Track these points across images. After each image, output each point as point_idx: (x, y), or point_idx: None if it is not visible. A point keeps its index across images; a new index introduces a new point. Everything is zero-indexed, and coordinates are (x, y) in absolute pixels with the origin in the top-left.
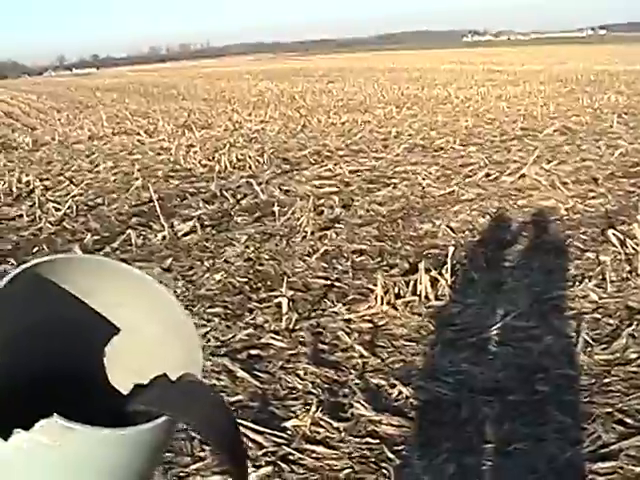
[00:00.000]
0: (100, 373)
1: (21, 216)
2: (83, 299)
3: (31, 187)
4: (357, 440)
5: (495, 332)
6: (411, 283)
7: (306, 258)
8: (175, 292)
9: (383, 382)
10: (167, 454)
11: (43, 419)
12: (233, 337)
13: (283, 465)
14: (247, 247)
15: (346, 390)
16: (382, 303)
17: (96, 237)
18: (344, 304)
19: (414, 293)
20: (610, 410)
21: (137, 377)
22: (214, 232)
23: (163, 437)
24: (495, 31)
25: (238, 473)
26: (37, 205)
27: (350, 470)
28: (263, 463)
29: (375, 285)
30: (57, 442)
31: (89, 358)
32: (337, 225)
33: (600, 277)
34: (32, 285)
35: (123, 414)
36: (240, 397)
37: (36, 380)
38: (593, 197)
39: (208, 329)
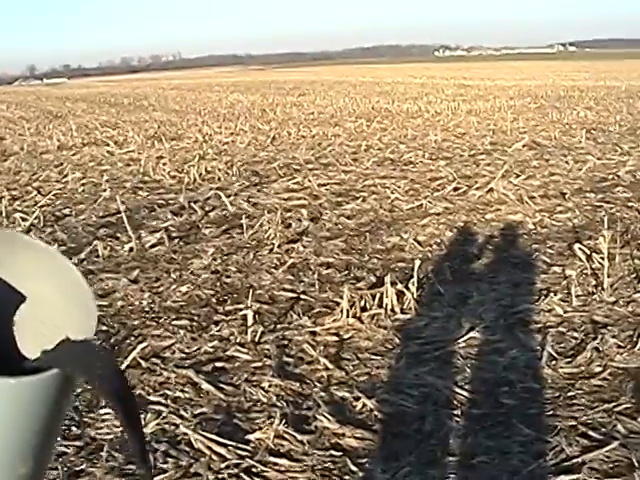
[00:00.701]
0: (10, 343)
1: None
2: None
3: None
4: (321, 453)
5: (460, 345)
6: (377, 296)
7: (273, 271)
8: (141, 304)
9: (348, 395)
10: (130, 466)
11: None
12: (198, 349)
13: (246, 478)
14: (214, 259)
15: (310, 403)
16: (348, 316)
17: (63, 248)
18: (310, 317)
19: (380, 306)
20: (574, 423)
21: (45, 344)
22: (182, 244)
23: (57, 390)
24: (467, 46)
25: (132, 427)
26: (4, 215)
27: None
28: (226, 476)
29: (341, 298)
30: None
31: None
32: (305, 238)
33: (566, 291)
34: None
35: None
36: (204, 409)
37: None
38: (560, 211)
39: (174, 341)
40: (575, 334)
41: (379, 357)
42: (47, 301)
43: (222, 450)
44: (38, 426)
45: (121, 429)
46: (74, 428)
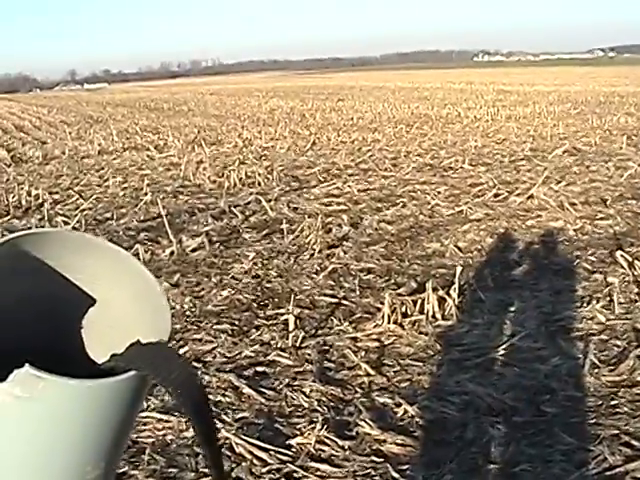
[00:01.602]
0: (78, 347)
1: (30, 229)
2: (60, 273)
3: (40, 200)
4: (362, 459)
5: (502, 353)
6: (418, 302)
7: (314, 276)
8: (182, 308)
9: (389, 401)
10: (171, 469)
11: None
12: (239, 354)
13: None
14: (255, 264)
15: (351, 408)
16: (389, 322)
17: None
18: (351, 322)
19: (421, 312)
20: (616, 432)
21: (115, 348)
22: (222, 248)
23: (132, 393)
24: (506, 51)
25: (206, 432)
26: (46, 219)
27: None
28: None
29: (382, 304)
30: (29, 393)
31: (67, 332)
32: (345, 243)
33: (608, 299)
34: (9, 260)
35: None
36: (245, 414)
37: (13, 355)
38: (602, 218)
39: (215, 345)
40: (618, 342)
41: (420, 363)
42: (118, 305)
43: (263, 455)
44: (111, 429)
45: (167, 433)
46: None
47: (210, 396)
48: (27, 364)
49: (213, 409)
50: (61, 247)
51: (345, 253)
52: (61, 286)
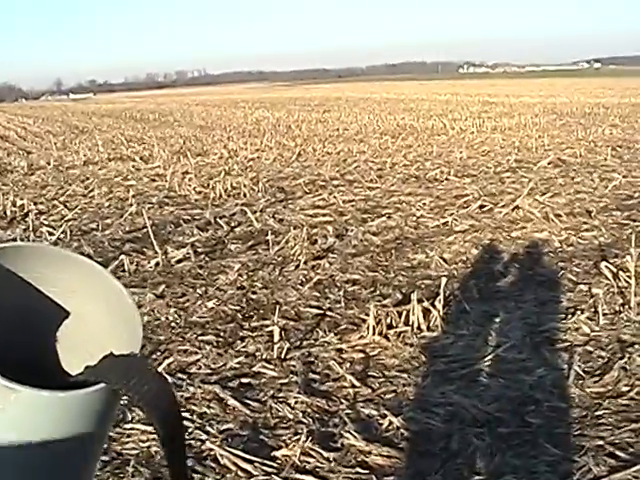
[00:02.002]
0: (52, 359)
1: (15, 240)
2: (35, 286)
3: (25, 211)
4: (347, 470)
5: (487, 364)
6: (403, 314)
7: (299, 287)
8: (167, 319)
9: (374, 412)
10: None
11: None
12: (224, 365)
13: None
14: (240, 275)
15: (336, 420)
16: (374, 333)
17: None
18: (336, 334)
19: (406, 324)
20: (601, 443)
21: (88, 361)
22: (207, 259)
23: (104, 405)
24: (491, 63)
25: (174, 446)
26: (31, 229)
27: None
28: None
29: (367, 315)
30: (1, 405)
31: (41, 344)
32: (330, 255)
33: (592, 310)
34: None
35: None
36: (230, 425)
37: None
38: (586, 230)
39: (199, 356)
40: (602, 353)
41: (405, 375)
42: (91, 317)
43: (248, 466)
44: (84, 441)
45: (151, 445)
46: None
47: (195, 407)
48: None
49: (198, 420)
50: (36, 261)
51: (330, 264)
52: (35, 299)
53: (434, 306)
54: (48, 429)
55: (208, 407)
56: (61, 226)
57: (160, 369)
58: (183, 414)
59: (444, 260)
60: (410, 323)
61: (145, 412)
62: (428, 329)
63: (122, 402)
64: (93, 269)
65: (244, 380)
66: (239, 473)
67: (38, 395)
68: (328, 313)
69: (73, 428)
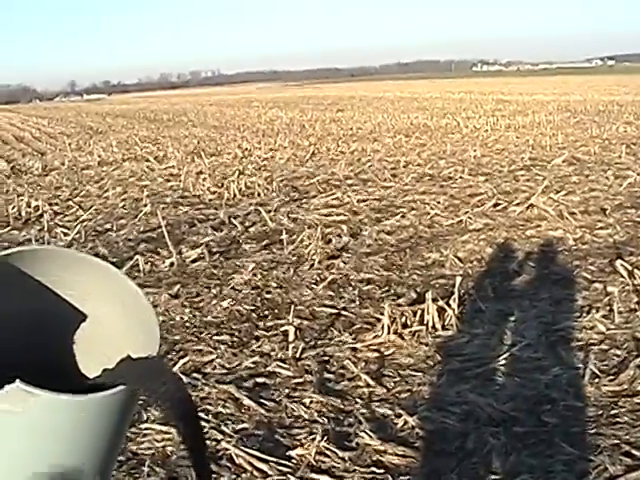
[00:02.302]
0: (70, 361)
1: (30, 240)
2: (52, 289)
3: (40, 212)
4: (362, 470)
5: (502, 363)
6: (418, 313)
7: (313, 286)
8: (182, 319)
9: (389, 412)
10: None
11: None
12: (239, 365)
13: None
14: (255, 275)
15: (352, 419)
16: (389, 332)
17: None
18: (351, 333)
19: (421, 323)
20: (617, 442)
21: (105, 363)
22: (222, 259)
23: (122, 407)
24: (505, 61)
25: (195, 445)
26: (46, 230)
27: None
28: None
29: (382, 314)
30: (20, 408)
31: (59, 347)
32: (345, 254)
33: (608, 308)
34: (1, 276)
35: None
36: (245, 425)
37: (7, 369)
38: (601, 228)
39: (215, 356)
40: (618, 351)
41: (420, 374)
42: (108, 321)
43: (263, 466)
44: (102, 442)
45: (166, 444)
46: None
47: (210, 407)
48: (18, 380)
49: (213, 420)
50: (52, 264)
51: (345, 264)
52: (52, 302)
53: (449, 305)
54: (67, 432)
55: (223, 407)
56: (76, 227)
57: (175, 369)
58: (199, 414)
59: (459, 259)
60: (425, 322)
61: (164, 412)
62: (443, 328)
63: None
64: (109, 271)
65: (259, 380)
66: (254, 473)
67: (57, 399)
68: (343, 312)
69: (92, 430)
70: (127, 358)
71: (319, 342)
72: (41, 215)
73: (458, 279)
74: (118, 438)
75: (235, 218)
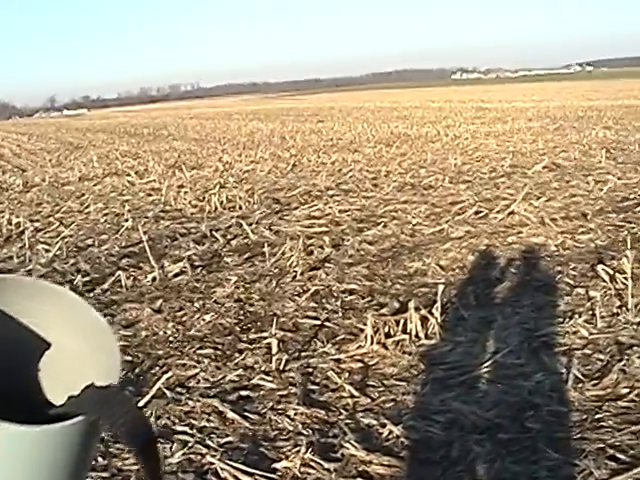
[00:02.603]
0: (37, 389)
1: (11, 257)
2: (15, 318)
3: (21, 228)
4: None
5: (485, 370)
6: (401, 322)
7: (296, 298)
8: (165, 333)
9: (374, 422)
10: None
11: None
12: (223, 378)
13: None
14: (237, 288)
15: (336, 430)
16: (372, 342)
17: (86, 278)
18: (334, 344)
19: (404, 332)
20: (602, 446)
21: (71, 390)
22: (204, 273)
23: (83, 437)
24: (483, 69)
25: (152, 473)
26: (27, 246)
27: None
28: None
29: (365, 324)
30: None
31: (25, 375)
32: (327, 265)
33: (590, 313)
34: None
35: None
36: (230, 438)
37: None
38: (582, 233)
39: (198, 370)
40: (600, 356)
41: (404, 383)
42: (72, 348)
43: (248, 479)
44: (65, 473)
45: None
46: (100, 459)
47: (194, 421)
48: None
49: (197, 434)
50: (15, 293)
51: (327, 275)
52: (16, 331)
53: (432, 314)
54: (26, 463)
55: (208, 421)
56: (57, 243)
57: (159, 384)
58: (183, 428)
59: (441, 267)
60: (408, 331)
61: (123, 441)
62: (426, 337)
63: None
64: (72, 300)
65: (243, 393)
66: None
67: (16, 430)
68: (326, 323)
69: (52, 461)
70: (91, 386)
71: (302, 354)
72: (22, 232)
73: (440, 287)
74: (80, 469)
75: (217, 231)
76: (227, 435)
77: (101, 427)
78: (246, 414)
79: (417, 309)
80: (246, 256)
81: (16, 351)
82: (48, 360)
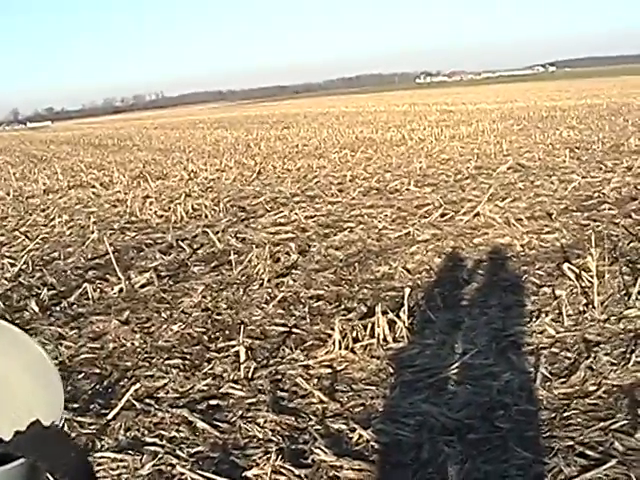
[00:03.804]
0: None
1: None
2: None
3: None
4: None
5: (454, 371)
6: (369, 326)
7: (264, 306)
8: (133, 345)
9: (343, 427)
10: None
11: None
12: (192, 388)
13: None
14: (204, 297)
15: (306, 436)
16: (340, 348)
17: (52, 291)
18: (302, 350)
19: (372, 336)
20: (571, 443)
21: (17, 424)
22: (171, 283)
23: (26, 477)
24: (448, 72)
25: None
26: None
27: None
28: None
29: (333, 330)
30: None
31: None
32: (294, 271)
33: (557, 311)
34: None
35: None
36: (200, 448)
37: None
38: (548, 232)
39: (167, 381)
40: (568, 354)
41: (373, 387)
42: (17, 384)
43: None
44: None
45: (121, 472)
46: None
47: (164, 432)
48: None
49: (167, 445)
50: None
51: (294, 281)
52: None
53: (399, 317)
54: None
55: (177, 431)
56: (23, 257)
57: (127, 395)
58: (153, 439)
59: (408, 270)
60: (376, 335)
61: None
62: (394, 340)
63: (89, 431)
64: (16, 335)
65: (212, 402)
66: None
67: None
68: (294, 330)
69: None
70: (36, 422)
71: (271, 361)
72: None
73: (407, 291)
74: None
75: (183, 241)
76: (197, 445)
77: (42, 470)
78: (216, 423)
79: (385, 313)
80: (213, 265)
81: None
82: None
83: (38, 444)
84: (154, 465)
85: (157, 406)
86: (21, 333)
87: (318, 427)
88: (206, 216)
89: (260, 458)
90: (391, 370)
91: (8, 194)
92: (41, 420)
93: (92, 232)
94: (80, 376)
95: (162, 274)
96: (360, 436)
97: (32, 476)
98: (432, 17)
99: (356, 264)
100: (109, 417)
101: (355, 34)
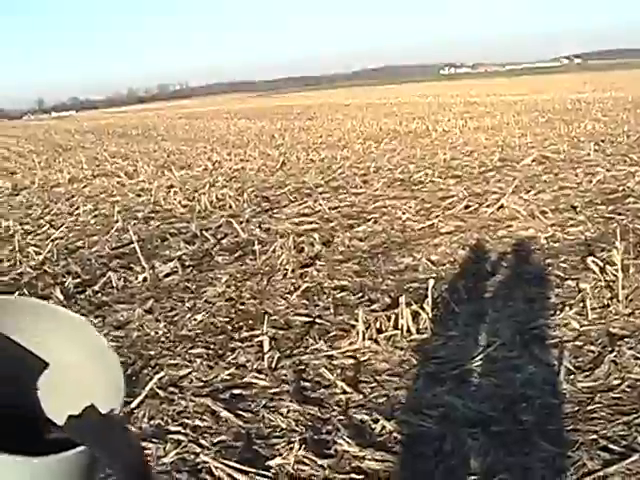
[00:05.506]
0: (36, 407)
1: (1, 261)
2: (15, 338)
3: (11, 232)
4: (341, 476)
5: (477, 363)
6: (392, 317)
7: (287, 296)
8: (157, 334)
9: (366, 417)
10: None
11: None
12: (215, 377)
13: None
14: (228, 286)
15: (329, 427)
16: (364, 338)
17: (77, 280)
18: (326, 341)
19: (396, 327)
20: (594, 437)
21: (70, 408)
22: (195, 272)
23: (81, 468)
24: (472, 63)
25: None
26: (17, 249)
27: None
28: None
29: (356, 321)
30: None
31: (26, 395)
32: (318, 262)
33: (581, 305)
34: None
35: (61, 443)
36: (223, 437)
37: None
38: (572, 225)
39: (190, 370)
40: (592, 347)
41: (396, 378)
42: (72, 368)
43: (243, 478)
44: None
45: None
46: None
47: (188, 420)
48: None
49: (191, 434)
50: (18, 314)
51: (318, 272)
52: (18, 351)
53: (423, 309)
54: None
55: (201, 420)
56: (47, 245)
57: (151, 384)
58: (176, 428)
59: (431, 262)
60: (399, 327)
61: (118, 475)
62: (418, 332)
63: None
64: (73, 319)
65: (236, 391)
66: None
67: (13, 461)
68: (317, 320)
69: None
70: (91, 407)
71: (294, 351)
72: (12, 235)
73: (431, 282)
74: None
75: (207, 231)
76: (220, 434)
77: (99, 461)
78: (239, 412)
79: (408, 304)
80: (237, 255)
81: (20, 371)
82: (50, 379)
83: (99, 435)
84: (177, 454)
85: (181, 395)
86: (85, 321)
87: (341, 417)
88: (230, 206)
89: (283, 448)
90: (414, 361)
91: (33, 183)
92: (98, 407)
93: (116, 221)
94: None
95: (186, 263)
96: (383, 427)
97: (89, 466)
98: (457, 9)
99: (380, 255)
100: (133, 405)
101: (379, 26)
